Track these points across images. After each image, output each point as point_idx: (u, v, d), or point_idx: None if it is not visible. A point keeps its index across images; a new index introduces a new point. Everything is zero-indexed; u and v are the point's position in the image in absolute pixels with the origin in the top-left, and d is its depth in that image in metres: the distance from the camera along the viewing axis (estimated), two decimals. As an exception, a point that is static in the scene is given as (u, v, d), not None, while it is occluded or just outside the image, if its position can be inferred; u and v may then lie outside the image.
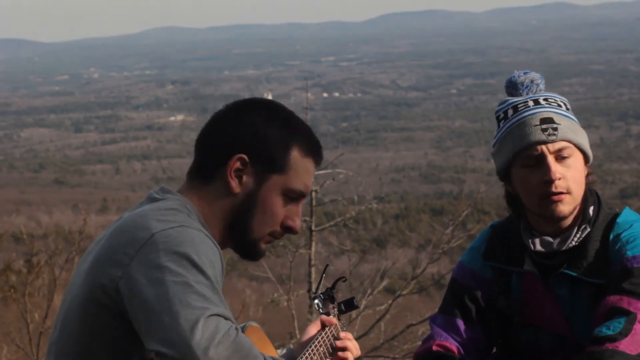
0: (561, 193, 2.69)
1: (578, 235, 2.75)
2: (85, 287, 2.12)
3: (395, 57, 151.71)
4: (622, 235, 2.72)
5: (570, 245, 2.74)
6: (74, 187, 72.52)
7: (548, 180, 2.67)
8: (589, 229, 2.75)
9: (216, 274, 2.06)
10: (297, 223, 2.30)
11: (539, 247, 2.77)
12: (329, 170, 10.04)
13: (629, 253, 2.67)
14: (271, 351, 2.48)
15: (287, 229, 2.30)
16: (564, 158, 2.70)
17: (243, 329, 2.41)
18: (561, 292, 2.76)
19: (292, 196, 2.28)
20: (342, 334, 2.58)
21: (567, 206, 2.71)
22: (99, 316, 2.09)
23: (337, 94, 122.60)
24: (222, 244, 2.28)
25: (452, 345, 2.87)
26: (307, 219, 9.82)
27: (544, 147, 2.69)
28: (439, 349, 2.87)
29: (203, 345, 1.92)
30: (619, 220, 2.77)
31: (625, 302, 2.60)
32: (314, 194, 9.73)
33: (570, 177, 2.70)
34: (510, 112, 2.77)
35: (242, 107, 2.31)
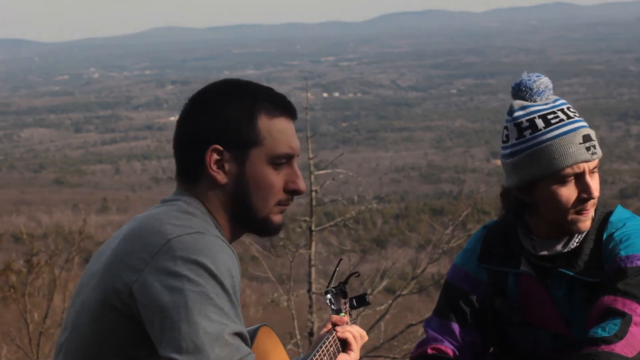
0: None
1: (579, 237, 2.76)
2: (98, 291, 2.10)
3: (395, 57, 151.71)
4: (616, 234, 2.72)
5: (572, 246, 2.75)
6: (74, 187, 72.48)
7: (588, 198, 2.68)
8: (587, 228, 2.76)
9: (234, 283, 2.03)
10: (299, 184, 2.24)
11: (542, 252, 2.77)
12: (329, 170, 10.03)
13: (623, 253, 2.67)
14: (282, 354, 2.48)
15: (292, 192, 2.25)
16: (593, 172, 2.72)
17: (256, 331, 2.40)
18: (559, 292, 2.75)
19: (281, 161, 2.22)
20: (339, 328, 2.57)
21: (590, 220, 2.75)
22: (111, 320, 2.06)
23: (337, 94, 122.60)
24: (235, 235, 2.26)
25: (448, 348, 2.86)
26: (307, 219, 9.81)
27: (585, 165, 2.68)
28: (434, 352, 2.86)
29: None
30: (611, 219, 2.76)
31: (620, 303, 2.60)
32: (313, 194, 9.71)
33: (598, 190, 2.73)
34: (539, 123, 2.70)
35: (198, 100, 2.27)
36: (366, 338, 2.63)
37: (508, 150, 2.76)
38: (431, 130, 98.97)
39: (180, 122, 2.27)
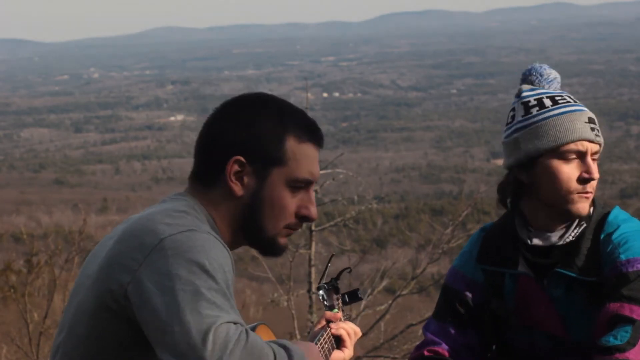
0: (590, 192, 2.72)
1: (575, 231, 2.75)
2: (94, 292, 2.10)
3: (395, 57, 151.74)
4: (614, 236, 2.71)
5: (567, 240, 2.74)
6: (74, 187, 72.48)
7: (588, 178, 2.69)
8: (584, 225, 2.75)
9: (227, 278, 2.02)
10: (312, 211, 2.24)
11: (536, 241, 2.76)
12: (329, 170, 10.04)
13: (623, 256, 2.67)
14: None
15: (303, 219, 2.24)
16: (594, 158, 2.73)
17: (253, 329, 2.40)
18: (556, 292, 2.75)
19: (299, 185, 2.22)
20: (333, 325, 2.57)
21: (589, 204, 2.74)
22: (108, 322, 2.07)
23: (337, 94, 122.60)
24: (235, 244, 2.25)
25: (445, 350, 2.87)
26: (307, 219, 9.80)
27: (589, 145, 2.70)
28: (431, 354, 2.87)
29: (216, 356, 1.89)
30: (609, 219, 2.76)
31: (627, 310, 2.60)
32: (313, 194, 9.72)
33: (597, 178, 2.74)
34: (547, 101, 2.74)
35: (231, 108, 2.26)
36: (360, 334, 2.63)
37: (513, 128, 2.78)
38: (431, 130, 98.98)
39: (209, 125, 2.26)
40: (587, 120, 2.70)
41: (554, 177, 2.70)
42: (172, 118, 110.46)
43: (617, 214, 2.79)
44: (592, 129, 2.70)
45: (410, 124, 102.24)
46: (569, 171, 2.69)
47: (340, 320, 2.62)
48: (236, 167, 2.18)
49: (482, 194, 11.66)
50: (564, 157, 2.69)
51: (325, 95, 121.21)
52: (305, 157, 2.23)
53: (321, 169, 10.00)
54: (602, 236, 2.73)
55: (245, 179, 2.19)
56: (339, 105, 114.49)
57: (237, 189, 2.19)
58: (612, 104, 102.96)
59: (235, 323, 1.96)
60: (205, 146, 2.24)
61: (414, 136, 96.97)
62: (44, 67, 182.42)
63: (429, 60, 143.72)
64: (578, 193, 2.70)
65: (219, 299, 1.96)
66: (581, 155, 2.69)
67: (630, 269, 2.64)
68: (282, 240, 2.25)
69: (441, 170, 77.75)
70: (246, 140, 2.19)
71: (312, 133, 2.26)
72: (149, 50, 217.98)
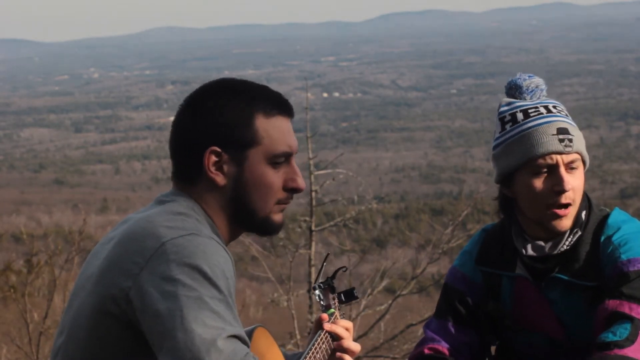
0: (568, 205, 2.70)
1: (570, 239, 2.75)
2: (94, 295, 2.09)
3: (395, 57, 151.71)
4: (614, 237, 2.71)
5: (562, 249, 2.74)
6: (74, 187, 72.52)
7: (560, 191, 2.67)
8: (580, 233, 2.75)
9: (229, 285, 2.02)
10: (299, 182, 2.24)
11: (531, 252, 2.77)
12: (329, 170, 10.03)
13: (624, 257, 2.67)
14: (277, 354, 2.48)
15: (292, 191, 2.24)
16: (572, 169, 2.71)
17: (251, 332, 2.40)
18: (553, 295, 2.75)
19: (279, 160, 2.22)
20: (327, 325, 2.56)
21: (569, 220, 2.73)
22: (109, 326, 2.06)
23: (337, 94, 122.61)
24: (233, 236, 2.25)
25: (444, 348, 2.87)
26: (307, 219, 9.81)
27: (559, 157, 2.68)
28: (431, 352, 2.88)
29: None
30: (609, 221, 2.76)
31: (627, 308, 2.61)
32: (313, 194, 9.71)
33: (576, 188, 2.71)
34: (520, 115, 2.73)
35: (194, 101, 2.26)
36: (350, 326, 2.61)
37: (493, 145, 2.81)
38: (431, 130, 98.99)
39: (177, 124, 2.26)
40: (555, 132, 2.68)
41: (527, 193, 2.71)
42: (172, 118, 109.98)
43: (617, 216, 2.78)
44: (561, 140, 2.68)
45: (410, 124, 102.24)
46: (540, 185, 2.69)
47: (337, 318, 2.62)
48: (213, 158, 2.18)
49: (482, 194, 11.63)
50: (535, 171, 2.69)
51: (325, 95, 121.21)
52: (278, 131, 2.22)
53: (321, 169, 9.99)
54: (602, 239, 2.73)
55: (225, 167, 2.19)
56: (339, 105, 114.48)
57: (219, 179, 2.19)
58: (612, 104, 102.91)
59: (241, 340, 1.96)
60: (179, 145, 2.24)
61: (414, 136, 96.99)
62: (44, 67, 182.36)
63: (429, 60, 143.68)
64: (555, 207, 2.69)
65: (222, 309, 1.96)
66: (552, 168, 2.69)
67: (631, 269, 2.65)
68: (277, 217, 2.24)
69: (441, 170, 77.76)
70: (216, 129, 2.19)
71: (279, 105, 2.25)
72: (149, 50, 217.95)
